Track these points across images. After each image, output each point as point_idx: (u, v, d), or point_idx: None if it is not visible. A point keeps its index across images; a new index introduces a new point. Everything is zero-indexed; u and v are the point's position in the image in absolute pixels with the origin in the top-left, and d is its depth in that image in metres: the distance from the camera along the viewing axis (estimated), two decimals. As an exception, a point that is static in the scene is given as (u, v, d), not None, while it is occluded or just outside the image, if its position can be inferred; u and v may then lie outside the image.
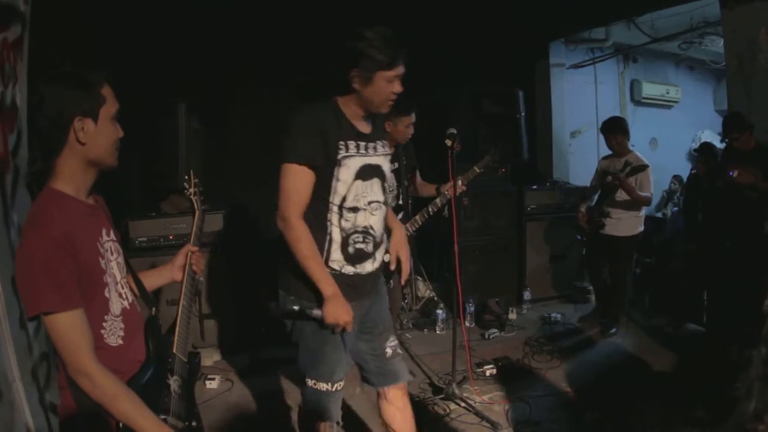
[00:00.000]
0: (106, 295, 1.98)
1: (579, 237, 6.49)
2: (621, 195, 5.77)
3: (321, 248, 2.85)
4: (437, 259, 6.98)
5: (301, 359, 2.99)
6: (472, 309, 6.41)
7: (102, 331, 1.95)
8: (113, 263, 2.07)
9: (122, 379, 1.91)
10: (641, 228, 6.01)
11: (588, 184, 6.51)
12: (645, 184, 5.75)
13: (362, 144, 2.84)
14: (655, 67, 10.55)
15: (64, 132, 1.88)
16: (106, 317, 1.97)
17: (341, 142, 2.77)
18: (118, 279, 2.08)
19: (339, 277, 2.87)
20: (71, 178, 1.95)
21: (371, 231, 2.94)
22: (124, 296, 2.09)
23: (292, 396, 4.70)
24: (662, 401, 4.47)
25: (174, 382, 2.18)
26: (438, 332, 6.20)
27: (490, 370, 5.11)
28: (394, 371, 3.19)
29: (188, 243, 2.54)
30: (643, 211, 6.00)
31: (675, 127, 10.60)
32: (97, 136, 1.93)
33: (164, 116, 5.51)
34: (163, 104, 5.56)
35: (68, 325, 1.80)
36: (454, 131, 4.53)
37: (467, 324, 6.21)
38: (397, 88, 2.74)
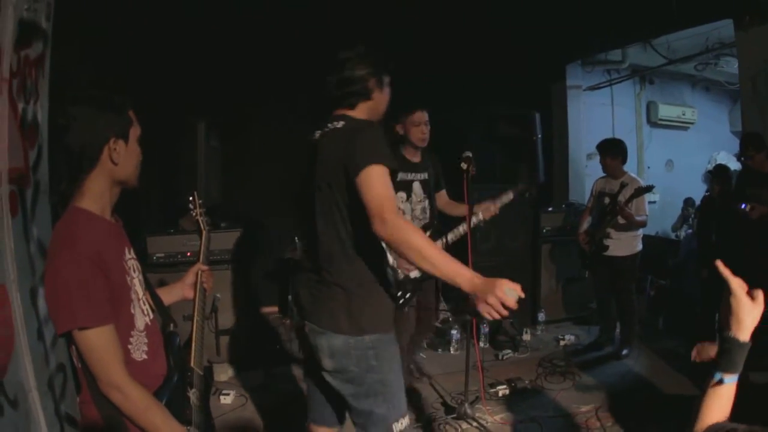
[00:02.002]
0: (132, 311, 2.04)
1: (581, 260, 6.40)
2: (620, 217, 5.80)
3: (382, 271, 2.69)
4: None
5: (382, 407, 2.62)
6: (487, 330, 6.40)
7: (129, 346, 2.00)
8: (135, 280, 2.12)
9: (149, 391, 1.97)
10: (640, 246, 6.03)
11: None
12: (641, 207, 5.80)
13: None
14: (671, 88, 10.59)
15: (96, 152, 1.95)
16: (132, 332, 2.03)
17: None
18: (140, 295, 2.13)
19: (390, 302, 2.73)
20: (98, 198, 2.00)
21: None
22: (146, 312, 2.14)
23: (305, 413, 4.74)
24: (675, 423, 4.45)
25: (193, 395, 2.23)
26: (452, 352, 6.20)
27: (502, 390, 5.10)
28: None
29: (198, 262, 2.65)
30: (641, 230, 6.02)
31: (691, 148, 10.61)
32: (127, 157, 2.02)
33: (184, 135, 5.59)
34: (183, 123, 5.64)
35: (101, 341, 1.86)
36: (470, 154, 4.51)
37: (481, 345, 6.21)
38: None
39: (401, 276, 4.58)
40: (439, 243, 4.59)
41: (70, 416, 3.31)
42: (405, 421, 2.67)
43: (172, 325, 2.32)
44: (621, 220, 5.77)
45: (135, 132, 2.06)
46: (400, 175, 4.73)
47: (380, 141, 2.50)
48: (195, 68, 6.11)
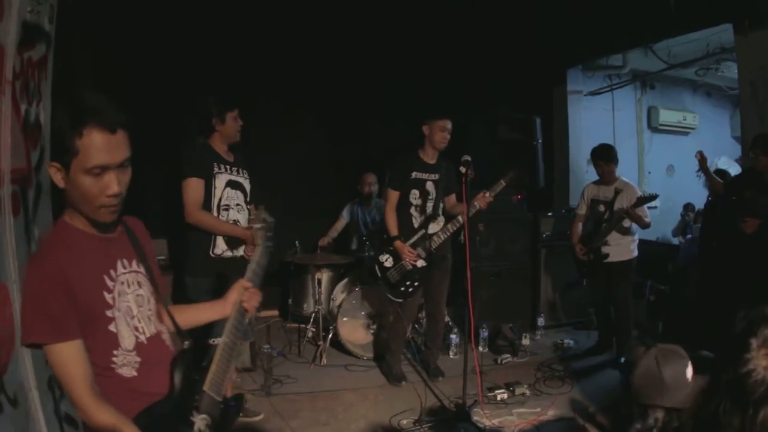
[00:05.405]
0: (112, 329, 1.94)
1: (577, 269, 6.36)
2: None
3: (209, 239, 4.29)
4: (452, 284, 6.96)
5: None
6: (486, 334, 6.40)
7: (112, 365, 1.93)
8: (129, 296, 2.02)
9: (135, 409, 1.89)
10: (636, 252, 6.00)
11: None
12: (643, 210, 5.78)
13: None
14: (672, 93, 10.59)
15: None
16: (115, 351, 1.94)
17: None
18: (135, 312, 2.03)
19: (220, 260, 4.28)
20: (76, 213, 1.94)
21: (238, 224, 4.35)
22: (141, 330, 2.03)
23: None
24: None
25: (201, 421, 2.02)
26: (451, 356, 6.18)
27: (501, 394, 5.09)
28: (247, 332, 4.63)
29: (242, 278, 2.36)
30: (637, 235, 6.00)
31: (692, 153, 10.52)
32: (71, 188, 1.84)
33: (185, 137, 5.60)
34: (185, 124, 5.65)
35: (62, 357, 1.81)
36: (469, 158, 4.62)
37: (480, 349, 6.20)
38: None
39: (408, 267, 5.15)
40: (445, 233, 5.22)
41: (69, 416, 3.32)
42: None
43: (186, 343, 2.17)
44: (626, 224, 5.78)
45: (80, 163, 1.77)
46: (414, 174, 5.19)
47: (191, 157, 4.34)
48: (205, 71, 6.12)
